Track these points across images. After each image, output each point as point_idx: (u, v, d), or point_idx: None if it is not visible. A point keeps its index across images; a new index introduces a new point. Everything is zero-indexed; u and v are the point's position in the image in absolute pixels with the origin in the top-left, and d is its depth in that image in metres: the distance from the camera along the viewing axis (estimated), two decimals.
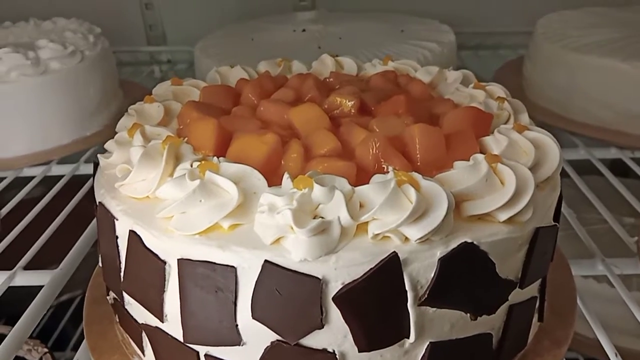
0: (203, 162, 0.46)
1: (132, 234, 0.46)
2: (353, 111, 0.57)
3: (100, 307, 0.60)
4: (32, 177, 0.93)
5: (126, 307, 0.51)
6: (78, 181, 0.93)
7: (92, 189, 0.88)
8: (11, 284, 0.68)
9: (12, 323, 1.05)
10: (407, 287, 0.41)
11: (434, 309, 0.43)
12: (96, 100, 1.03)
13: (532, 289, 0.51)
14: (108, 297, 0.57)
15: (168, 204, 0.45)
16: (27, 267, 0.71)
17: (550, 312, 0.57)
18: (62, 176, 0.94)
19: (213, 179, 0.44)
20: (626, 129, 0.97)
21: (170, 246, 0.44)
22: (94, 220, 0.78)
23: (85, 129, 1.02)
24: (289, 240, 0.40)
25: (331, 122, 0.55)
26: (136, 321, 0.51)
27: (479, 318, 0.45)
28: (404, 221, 0.40)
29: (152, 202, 0.47)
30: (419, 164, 0.48)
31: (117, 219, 0.48)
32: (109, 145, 0.55)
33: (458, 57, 1.20)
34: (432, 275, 0.41)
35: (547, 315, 0.56)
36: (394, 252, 0.40)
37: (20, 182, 0.93)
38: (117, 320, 0.58)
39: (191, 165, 0.48)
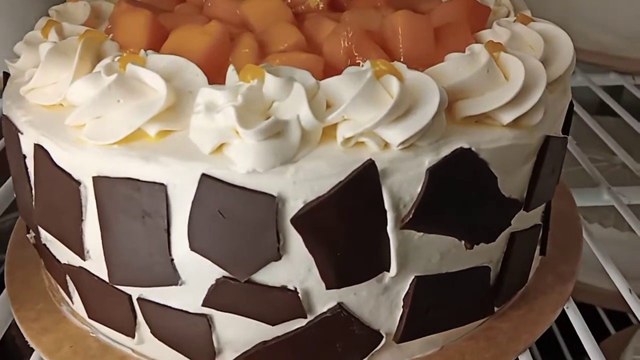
0: (125, 54, 0.36)
1: (39, 149, 0.36)
2: (322, 6, 0.47)
3: (25, 250, 0.51)
4: None
5: (46, 245, 0.42)
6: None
7: None
8: None
9: None
10: (387, 205, 0.32)
11: (420, 233, 0.34)
12: None
13: (536, 215, 0.43)
14: (28, 236, 0.47)
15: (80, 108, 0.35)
16: None
17: (553, 244, 0.49)
18: None
19: (136, 74, 0.34)
20: (628, 54, 0.88)
21: (84, 161, 0.34)
22: None
23: None
24: (234, 147, 0.31)
25: (295, 18, 0.45)
26: (58, 261, 0.42)
27: (475, 247, 0.36)
28: (382, 119, 0.30)
29: (64, 110, 0.37)
30: (402, 60, 0.39)
31: (21, 133, 0.38)
32: (17, 47, 0.44)
33: None
34: (419, 190, 0.32)
35: (550, 248, 0.48)
36: (370, 159, 0.31)
37: None
38: (43, 264, 0.48)
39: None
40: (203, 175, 0.31)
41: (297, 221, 0.31)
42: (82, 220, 0.36)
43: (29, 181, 0.39)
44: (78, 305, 0.43)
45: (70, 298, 0.44)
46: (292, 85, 0.32)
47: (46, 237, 0.41)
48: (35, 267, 0.49)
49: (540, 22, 0.42)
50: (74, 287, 0.42)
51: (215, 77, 0.36)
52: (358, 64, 0.38)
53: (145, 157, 0.32)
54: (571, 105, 0.43)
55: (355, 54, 0.38)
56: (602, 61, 0.90)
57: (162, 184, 0.32)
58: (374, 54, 0.38)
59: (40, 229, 0.41)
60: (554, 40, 0.41)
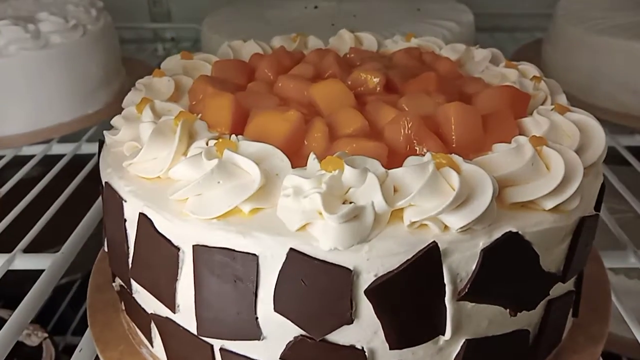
0: (220, 140, 0.42)
1: (142, 217, 0.42)
2: (379, 88, 0.53)
3: (104, 294, 0.57)
4: (32, 156, 0.89)
5: (134, 295, 0.48)
6: (79, 161, 0.89)
7: (94, 169, 0.85)
8: (10, 268, 0.65)
9: (9, 306, 1.02)
10: (446, 280, 0.37)
11: (473, 304, 0.39)
12: (98, 77, 0.98)
13: (570, 283, 0.48)
14: (114, 284, 0.53)
15: (182, 185, 0.41)
16: (26, 250, 0.67)
17: (584, 305, 0.53)
18: (62, 155, 0.90)
19: (232, 159, 0.40)
20: None
21: (184, 231, 0.40)
22: (97, 202, 0.75)
23: (87, 106, 0.97)
24: (317, 226, 0.37)
25: (356, 99, 0.51)
26: (144, 311, 0.47)
27: (518, 314, 0.41)
28: (445, 208, 0.36)
29: (163, 182, 0.43)
30: (454, 145, 0.45)
31: (125, 201, 0.44)
32: (115, 121, 0.51)
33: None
34: (474, 267, 0.38)
35: (581, 309, 0.53)
36: (434, 242, 0.36)
37: (19, 161, 0.89)
38: (123, 308, 0.54)
39: (207, 144, 0.44)
40: (291, 249, 0.37)
41: (369, 292, 0.37)
42: (177, 279, 0.42)
43: (127, 241, 0.45)
44: (158, 349, 0.49)
45: (151, 342, 0.50)
46: (366, 175, 0.37)
47: (137, 289, 0.47)
48: (115, 311, 0.55)
49: (576, 112, 0.48)
50: (157, 333, 0.48)
51: (293, 157, 0.42)
52: (416, 150, 0.44)
53: (242, 232, 0.38)
54: (602, 185, 0.48)
55: (414, 141, 0.44)
56: (628, 122, 0.94)
57: (255, 255, 0.38)
58: (430, 141, 0.44)
59: (132, 282, 0.46)
60: (588, 130, 0.46)
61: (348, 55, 0.64)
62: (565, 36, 1.03)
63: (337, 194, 0.37)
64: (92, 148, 0.92)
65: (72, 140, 0.93)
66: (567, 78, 1.02)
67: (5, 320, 0.95)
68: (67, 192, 0.78)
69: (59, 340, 1.08)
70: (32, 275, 0.63)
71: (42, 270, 0.63)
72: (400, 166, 0.40)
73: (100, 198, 0.75)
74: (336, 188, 0.37)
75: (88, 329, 0.54)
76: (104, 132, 0.51)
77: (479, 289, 0.38)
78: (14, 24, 0.88)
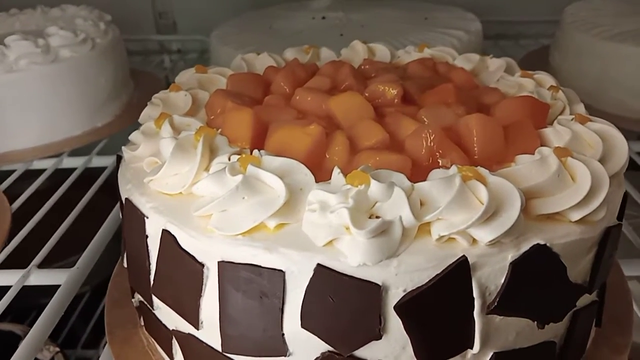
0: (244, 155, 0.42)
1: (166, 234, 0.42)
2: (397, 100, 0.53)
3: (122, 309, 0.56)
4: (43, 170, 0.89)
5: (155, 311, 0.47)
6: (90, 174, 0.89)
7: (106, 182, 0.85)
8: (26, 283, 0.64)
9: (17, 320, 1.02)
10: (475, 293, 0.37)
11: (501, 317, 0.39)
12: (107, 90, 0.99)
13: (594, 293, 0.47)
14: (133, 300, 0.53)
15: (206, 200, 0.41)
16: (40, 265, 0.67)
17: (606, 315, 0.53)
18: (73, 169, 0.90)
19: (256, 174, 0.40)
20: None
21: (209, 247, 0.40)
22: (110, 216, 0.75)
23: (96, 119, 0.97)
24: (344, 242, 0.36)
25: (375, 111, 0.51)
26: (166, 327, 0.47)
27: (546, 326, 0.41)
28: (474, 222, 0.36)
29: (186, 198, 0.43)
30: (476, 157, 0.45)
31: (147, 217, 0.44)
32: (134, 136, 0.51)
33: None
34: (503, 280, 0.37)
35: (604, 320, 0.52)
36: (463, 256, 0.36)
37: (30, 175, 0.89)
38: (142, 324, 0.54)
39: (229, 159, 0.44)
40: (318, 265, 0.37)
41: (399, 308, 0.36)
42: (201, 296, 0.41)
43: (149, 258, 0.45)
44: None
45: (172, 358, 0.49)
46: (392, 189, 0.37)
47: (158, 305, 0.47)
48: (134, 327, 0.55)
49: (597, 122, 0.48)
50: (178, 350, 0.47)
51: (316, 170, 0.42)
52: (438, 162, 0.44)
53: (267, 247, 0.38)
54: (625, 194, 0.47)
55: (437, 153, 0.44)
56: (639, 128, 0.94)
57: (281, 270, 0.37)
58: (453, 153, 0.43)
59: (154, 298, 0.46)
60: (610, 139, 0.46)
61: (362, 67, 0.63)
62: (574, 43, 1.03)
63: (364, 209, 0.37)
64: (103, 161, 0.92)
65: (82, 154, 0.93)
66: (575, 84, 1.02)
67: (16, 335, 0.94)
68: (80, 206, 0.78)
69: (70, 353, 1.08)
70: (40, 288, 0.63)
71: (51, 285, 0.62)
72: (424, 179, 0.40)
73: (112, 212, 0.76)
74: (363, 203, 0.37)
75: (106, 346, 0.54)
76: (123, 147, 0.51)
77: (508, 302, 0.38)
78: (24, 39, 0.88)
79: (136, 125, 0.95)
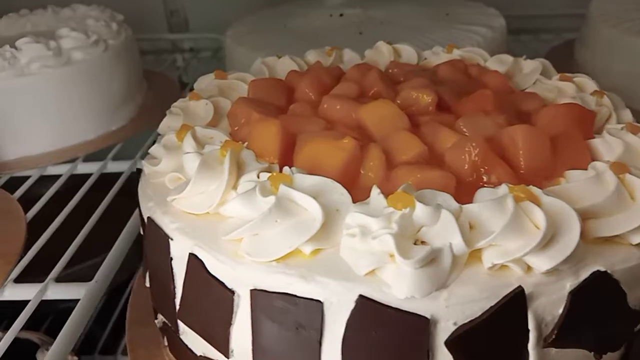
0: (274, 173, 0.39)
1: (193, 258, 0.39)
2: (431, 108, 0.50)
3: (144, 329, 0.54)
4: (57, 176, 0.87)
5: (181, 336, 0.45)
6: (105, 178, 0.87)
7: (122, 188, 0.83)
8: (43, 298, 0.62)
9: (36, 326, 1.00)
10: (531, 326, 0.34)
11: (558, 349, 0.36)
12: (121, 93, 0.96)
13: None
14: (156, 321, 0.50)
15: (235, 223, 0.38)
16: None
17: None
18: (88, 174, 0.87)
19: (289, 195, 0.37)
20: None
21: (240, 274, 0.37)
22: (126, 229, 0.73)
23: (111, 123, 0.95)
24: (389, 271, 0.34)
25: (409, 120, 0.48)
26: (192, 352, 0.45)
27: (603, 356, 0.38)
28: (532, 249, 0.33)
29: (213, 219, 0.40)
30: (522, 172, 0.42)
31: (171, 239, 0.41)
32: (155, 150, 0.48)
33: None
34: (560, 311, 0.35)
35: None
36: (520, 287, 0.33)
37: (44, 181, 0.87)
38: (166, 344, 0.51)
39: (257, 176, 0.41)
40: (360, 296, 0.34)
41: (451, 343, 0.34)
42: (231, 324, 0.39)
43: (174, 281, 0.42)
44: None
45: None
46: (440, 212, 0.34)
47: (184, 330, 0.44)
48: (157, 347, 0.52)
49: None
50: None
51: (350, 187, 0.39)
52: (483, 178, 0.41)
53: (304, 276, 0.35)
54: None
55: (481, 168, 0.41)
56: None
57: (319, 301, 0.35)
58: (499, 168, 0.40)
59: (180, 323, 0.44)
60: None
61: (390, 70, 0.60)
62: (602, 38, 0.99)
63: (409, 234, 0.34)
64: (118, 166, 0.90)
65: (96, 159, 0.91)
66: (604, 81, 0.98)
67: (33, 343, 0.92)
68: (96, 214, 0.76)
69: (88, 359, 1.06)
70: None
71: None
72: (467, 197, 0.37)
73: (129, 223, 0.74)
74: (408, 228, 0.34)
75: None
76: (143, 162, 0.48)
77: (566, 333, 0.35)
78: (36, 41, 0.86)
79: (151, 129, 0.93)
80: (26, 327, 1.01)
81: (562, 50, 1.16)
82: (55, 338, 0.82)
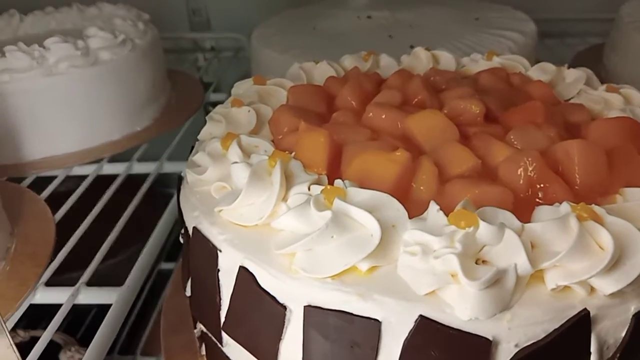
0: (328, 187, 0.39)
1: (243, 271, 0.39)
2: (479, 119, 0.49)
3: (179, 335, 0.54)
4: (83, 176, 0.87)
5: (223, 348, 0.44)
6: (130, 181, 0.87)
7: (149, 191, 0.83)
8: (75, 302, 0.62)
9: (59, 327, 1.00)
10: (593, 348, 0.34)
11: None
12: (146, 92, 0.95)
13: None
14: (195, 330, 0.50)
15: (288, 237, 0.38)
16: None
17: None
18: (114, 175, 0.87)
19: (345, 209, 0.37)
20: None
21: (293, 289, 0.36)
22: (155, 233, 0.72)
23: (136, 123, 0.94)
24: (451, 292, 0.33)
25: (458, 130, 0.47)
26: None
27: None
28: (599, 272, 0.32)
29: (263, 231, 0.40)
30: (577, 187, 0.41)
31: (220, 251, 0.41)
32: (199, 158, 0.48)
33: None
34: (623, 334, 0.34)
35: None
36: (586, 309, 0.32)
37: (70, 181, 0.87)
38: (203, 353, 0.51)
39: (308, 189, 0.40)
40: (421, 316, 0.33)
41: None
42: (281, 339, 0.38)
43: (219, 293, 0.42)
44: None
45: None
46: (503, 231, 0.34)
47: (228, 342, 0.43)
48: (193, 356, 0.52)
49: None
50: None
51: (402, 201, 0.38)
52: (538, 194, 0.40)
53: (361, 294, 0.34)
54: None
55: (537, 184, 0.40)
56: None
57: (377, 320, 0.34)
58: (556, 185, 0.40)
59: (224, 334, 0.43)
60: None
61: (431, 78, 0.59)
62: (633, 44, 0.97)
63: (472, 254, 0.33)
64: (143, 167, 0.89)
65: (121, 159, 0.90)
66: (636, 88, 0.97)
67: (55, 343, 0.92)
68: (124, 217, 0.75)
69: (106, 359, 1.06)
70: None
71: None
72: (523, 214, 0.37)
73: (158, 227, 0.73)
74: (471, 247, 0.33)
75: None
76: (186, 170, 0.47)
77: (628, 356, 0.34)
78: (64, 41, 0.85)
79: (174, 129, 0.93)
80: (43, 326, 1.02)
81: (589, 55, 1.15)
82: (74, 336, 0.82)
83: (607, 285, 0.33)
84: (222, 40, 1.36)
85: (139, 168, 0.89)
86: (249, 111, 0.52)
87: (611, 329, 0.33)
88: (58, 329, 0.99)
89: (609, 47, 1.06)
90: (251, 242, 0.39)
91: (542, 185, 0.40)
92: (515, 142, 0.45)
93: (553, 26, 1.36)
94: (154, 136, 0.95)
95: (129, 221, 0.75)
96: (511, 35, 0.91)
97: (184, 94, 1.06)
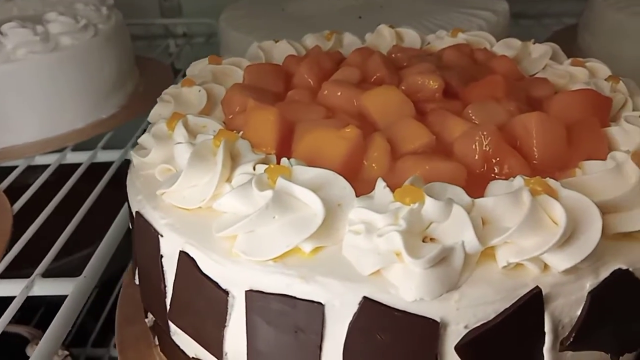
0: (272, 165, 0.37)
1: (184, 256, 0.37)
2: (438, 95, 0.47)
3: (134, 326, 0.51)
4: (45, 166, 0.84)
5: (172, 337, 0.42)
6: (94, 167, 0.84)
7: (112, 179, 0.80)
8: (30, 294, 0.60)
9: (24, 321, 0.97)
10: (547, 328, 0.32)
11: (574, 352, 0.33)
12: (111, 79, 0.92)
13: None
14: (147, 320, 0.48)
15: (229, 219, 0.36)
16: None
17: None
18: (77, 164, 0.84)
19: (288, 188, 0.35)
20: None
21: (235, 274, 0.34)
22: (116, 222, 0.70)
23: (101, 111, 0.91)
24: (396, 271, 0.31)
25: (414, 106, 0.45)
26: (184, 353, 0.42)
27: (620, 358, 0.36)
28: (550, 247, 0.30)
29: (205, 214, 0.38)
30: (535, 162, 0.39)
31: (161, 235, 0.39)
32: (144, 140, 0.45)
33: None
34: (579, 312, 0.32)
35: None
36: (537, 287, 0.31)
37: (31, 171, 0.84)
38: (157, 343, 0.49)
39: (254, 168, 0.38)
40: (365, 298, 0.31)
41: (461, 348, 0.31)
42: (225, 326, 0.36)
43: (164, 279, 0.40)
44: None
45: None
46: (451, 207, 0.32)
47: (176, 331, 0.41)
48: (147, 347, 0.50)
49: None
50: None
51: (352, 179, 0.36)
52: (494, 169, 0.38)
53: (304, 276, 0.32)
54: None
55: (493, 159, 0.38)
56: None
57: (320, 303, 0.32)
58: (512, 159, 0.38)
59: (171, 323, 0.41)
60: None
61: (392, 55, 0.57)
62: (607, 22, 0.96)
63: (417, 232, 0.32)
64: (109, 155, 0.86)
65: (86, 148, 0.88)
66: (609, 67, 0.96)
67: (22, 337, 0.89)
68: (85, 207, 0.73)
69: (79, 352, 1.04)
70: None
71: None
72: (477, 190, 0.35)
73: (119, 217, 0.71)
74: (416, 224, 0.31)
75: None
76: (132, 152, 0.45)
77: (585, 336, 0.33)
78: (22, 26, 0.82)
79: (142, 117, 0.90)
80: (14, 321, 0.99)
81: (564, 35, 1.13)
82: (45, 332, 0.80)
83: (560, 262, 0.31)
84: (193, 25, 1.33)
85: (103, 156, 0.87)
86: (199, 91, 0.50)
87: (566, 307, 0.32)
88: (26, 323, 0.96)
89: (582, 26, 1.05)
90: (193, 226, 0.37)
91: (497, 160, 0.38)
92: (473, 117, 0.43)
93: (530, 7, 1.35)
94: (120, 124, 0.92)
95: (96, 213, 0.73)
96: (483, 14, 0.90)
97: (153, 81, 1.03)
